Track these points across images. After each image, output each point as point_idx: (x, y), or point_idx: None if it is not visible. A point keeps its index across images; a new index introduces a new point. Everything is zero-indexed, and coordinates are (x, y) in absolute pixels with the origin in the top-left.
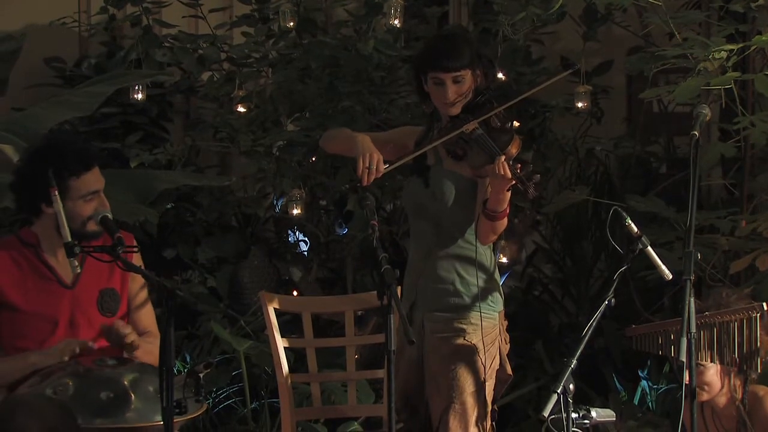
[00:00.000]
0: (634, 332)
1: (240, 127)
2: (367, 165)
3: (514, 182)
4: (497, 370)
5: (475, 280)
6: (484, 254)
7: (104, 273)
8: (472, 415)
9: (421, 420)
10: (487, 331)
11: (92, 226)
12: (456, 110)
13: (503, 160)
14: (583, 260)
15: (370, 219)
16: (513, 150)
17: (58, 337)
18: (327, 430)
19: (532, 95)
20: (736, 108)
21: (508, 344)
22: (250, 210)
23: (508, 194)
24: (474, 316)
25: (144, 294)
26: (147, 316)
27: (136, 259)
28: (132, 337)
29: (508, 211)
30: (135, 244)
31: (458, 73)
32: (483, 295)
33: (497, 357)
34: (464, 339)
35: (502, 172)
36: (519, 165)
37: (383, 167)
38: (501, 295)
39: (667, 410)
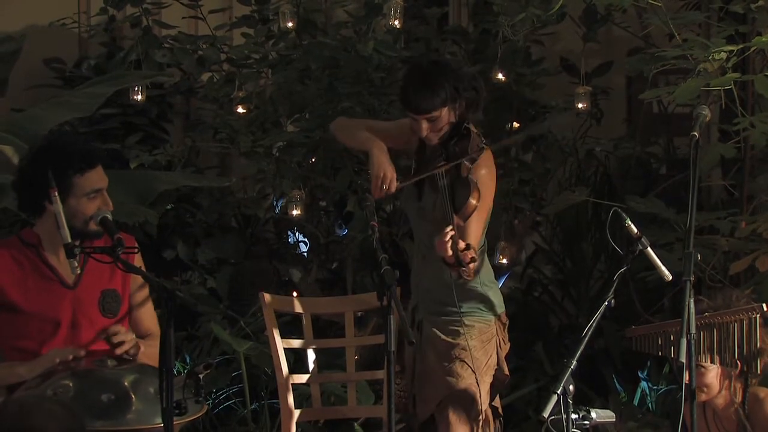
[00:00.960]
0: (634, 333)
1: (240, 128)
2: (381, 186)
3: (452, 261)
4: (495, 369)
5: (471, 283)
6: (481, 257)
7: (105, 274)
8: (468, 412)
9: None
10: (482, 330)
11: (94, 226)
12: (433, 141)
13: (450, 234)
14: (582, 261)
15: (369, 220)
16: (470, 208)
17: (60, 337)
18: (327, 431)
19: (508, 143)
20: (735, 109)
21: (508, 344)
22: (250, 211)
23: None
24: (469, 318)
25: (144, 294)
26: (148, 317)
27: (138, 260)
28: (124, 348)
29: (471, 270)
30: (136, 245)
31: (430, 115)
32: (478, 297)
33: (493, 356)
34: (459, 339)
35: (442, 245)
36: (465, 249)
37: (395, 185)
38: (498, 298)
39: (666, 411)
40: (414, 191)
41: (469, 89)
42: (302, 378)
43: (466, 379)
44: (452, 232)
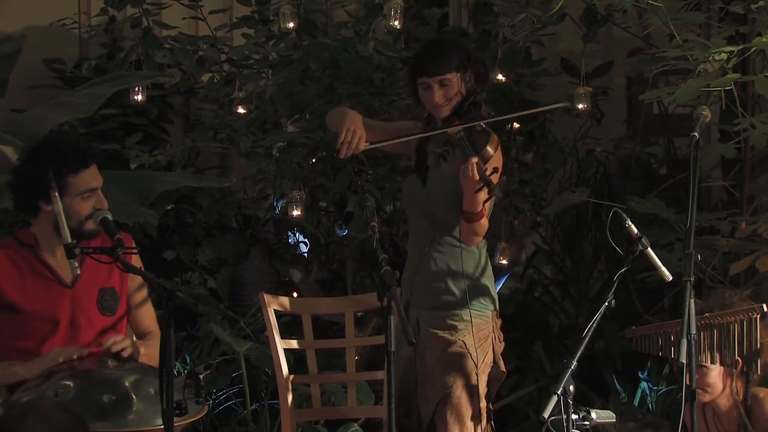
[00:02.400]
0: (634, 333)
1: (240, 129)
2: (348, 139)
3: (481, 184)
4: (491, 367)
5: (469, 279)
6: (478, 254)
7: (103, 272)
8: (467, 410)
9: (416, 421)
10: (479, 327)
11: (90, 225)
12: (445, 113)
13: (475, 161)
14: (583, 261)
15: (370, 220)
16: (489, 151)
17: (60, 337)
18: (327, 431)
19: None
20: (736, 109)
21: (502, 343)
22: (250, 211)
23: (481, 195)
24: (466, 313)
25: (143, 293)
26: (148, 317)
27: (135, 260)
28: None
29: (484, 212)
30: (134, 244)
31: (443, 77)
32: (475, 293)
33: (490, 353)
34: (457, 335)
35: (469, 173)
36: (497, 166)
37: (363, 145)
38: (494, 294)
39: (667, 412)
40: (417, 181)
41: (477, 61)
42: (302, 378)
43: (464, 378)
44: (476, 160)
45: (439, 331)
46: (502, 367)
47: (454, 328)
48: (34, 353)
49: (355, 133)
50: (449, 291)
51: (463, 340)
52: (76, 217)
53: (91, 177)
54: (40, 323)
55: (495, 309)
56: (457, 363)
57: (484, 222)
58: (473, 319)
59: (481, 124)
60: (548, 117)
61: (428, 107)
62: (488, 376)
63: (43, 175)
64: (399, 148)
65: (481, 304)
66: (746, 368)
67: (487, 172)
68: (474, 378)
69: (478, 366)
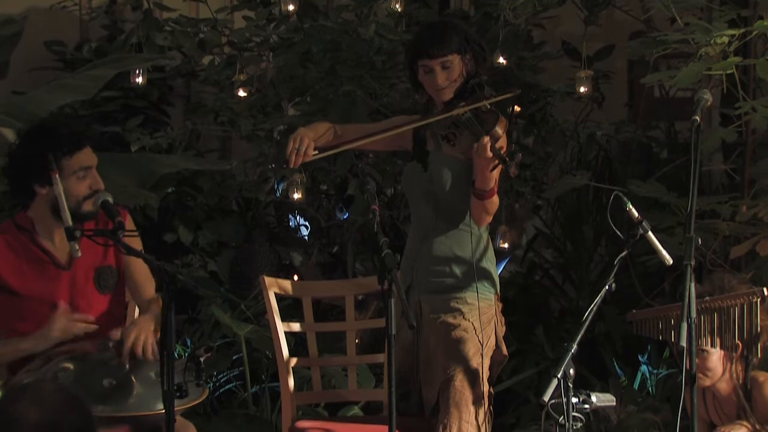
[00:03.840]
0: (635, 317)
1: (241, 111)
2: (296, 147)
3: (496, 161)
4: (494, 350)
5: (472, 262)
6: (481, 237)
7: (99, 251)
8: (470, 393)
9: (414, 403)
10: (483, 311)
11: (88, 206)
12: (447, 95)
13: (486, 140)
14: (583, 245)
15: (370, 204)
16: (498, 130)
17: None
18: (327, 414)
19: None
20: (737, 93)
21: (504, 326)
22: (250, 194)
23: (495, 173)
24: (470, 296)
25: (140, 263)
26: (148, 285)
27: (135, 242)
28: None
29: (496, 189)
30: (131, 220)
31: (445, 59)
32: (478, 276)
33: (493, 337)
34: (461, 318)
35: (483, 151)
36: (502, 146)
37: (312, 152)
38: (496, 278)
39: (667, 395)
40: (417, 166)
41: (476, 43)
42: (303, 361)
43: (467, 361)
44: (488, 138)
45: (442, 315)
46: (504, 351)
47: (458, 311)
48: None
49: (303, 140)
50: (452, 274)
51: (466, 324)
52: (73, 198)
53: (85, 157)
54: (38, 306)
55: (497, 292)
56: (461, 346)
57: (496, 200)
58: (476, 303)
59: (487, 104)
60: (549, 100)
61: (430, 91)
62: (490, 359)
63: (39, 158)
64: (393, 145)
65: (484, 287)
66: (746, 352)
67: (502, 151)
68: (477, 361)
69: (482, 349)
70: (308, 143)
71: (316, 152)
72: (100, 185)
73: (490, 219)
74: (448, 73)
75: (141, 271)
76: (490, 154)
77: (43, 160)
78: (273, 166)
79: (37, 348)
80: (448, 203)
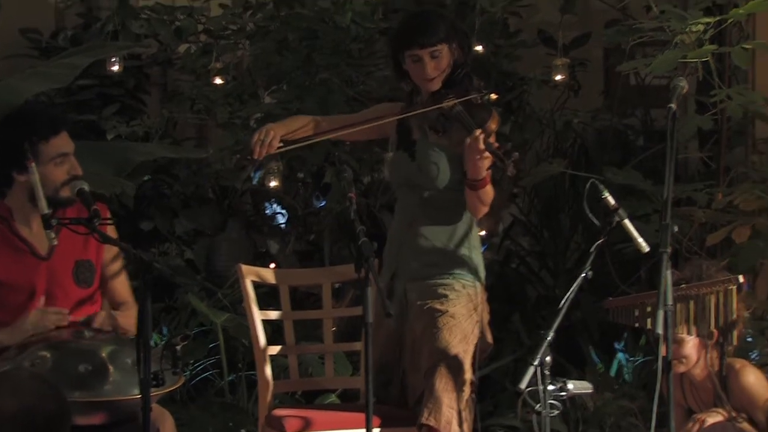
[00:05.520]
0: (611, 305)
1: (217, 99)
2: (261, 138)
3: (490, 158)
4: (479, 338)
5: (458, 250)
6: (469, 225)
7: (79, 244)
8: (456, 380)
9: (395, 391)
10: (470, 298)
11: (65, 192)
12: (436, 85)
13: (479, 134)
14: (560, 233)
15: (347, 191)
16: (492, 125)
17: (35, 308)
18: (304, 402)
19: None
20: (713, 81)
21: (488, 314)
22: (227, 182)
23: (486, 163)
24: (457, 283)
25: (119, 264)
26: (123, 287)
27: (111, 231)
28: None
29: (488, 179)
30: (110, 215)
31: (435, 48)
32: (465, 264)
33: (479, 324)
34: (448, 304)
35: (477, 146)
36: (497, 143)
37: (277, 144)
38: (482, 266)
39: (643, 382)
40: (404, 156)
41: (461, 32)
42: (280, 349)
43: (454, 348)
44: (480, 132)
45: (429, 301)
46: (489, 339)
47: (445, 297)
48: (9, 325)
49: (268, 133)
50: (439, 262)
51: (453, 310)
52: (51, 185)
53: (63, 142)
54: (15, 295)
55: (482, 280)
56: (448, 332)
57: (489, 189)
58: (463, 289)
59: (478, 97)
60: (526, 88)
61: (417, 80)
62: (475, 346)
63: (15, 145)
64: (374, 133)
65: (471, 275)
66: (722, 339)
67: (496, 147)
68: (463, 348)
69: (468, 336)
70: (273, 135)
71: (281, 144)
72: (78, 171)
73: (486, 209)
74: (437, 62)
75: (123, 289)
76: (482, 147)
77: (20, 147)
78: (239, 156)
79: (12, 341)
80: (436, 192)
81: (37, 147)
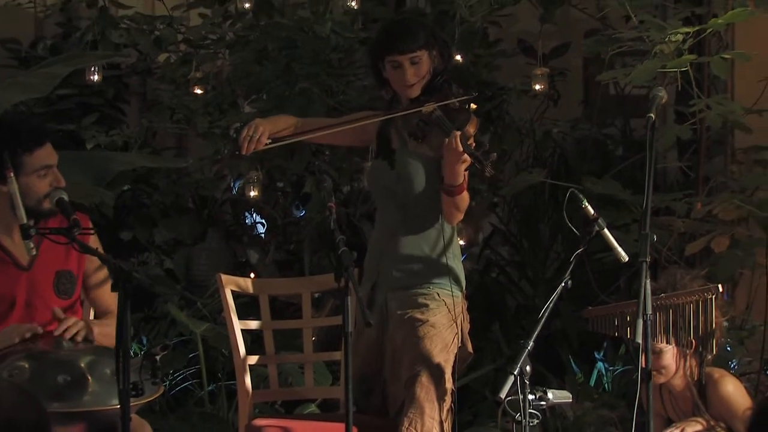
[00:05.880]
0: (591, 314)
1: (197, 109)
2: (250, 134)
3: (469, 160)
4: (459, 348)
5: (439, 259)
6: (447, 234)
7: (61, 255)
8: (437, 389)
9: (376, 401)
10: (451, 307)
11: (48, 204)
12: (415, 92)
13: (458, 135)
14: (539, 242)
15: (327, 201)
16: (470, 129)
17: (15, 318)
18: (284, 412)
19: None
20: (692, 90)
21: (468, 324)
22: (207, 192)
23: (462, 168)
24: (438, 292)
25: (103, 274)
26: (107, 296)
27: (94, 241)
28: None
29: (465, 185)
30: (91, 225)
31: (415, 54)
32: (445, 273)
33: (459, 334)
34: (429, 314)
35: (454, 146)
36: (474, 144)
37: (266, 140)
38: (463, 275)
39: (623, 391)
40: (383, 164)
41: (441, 39)
42: (259, 359)
43: (434, 357)
44: (459, 132)
45: (410, 311)
46: (470, 348)
47: (426, 307)
48: None
49: (257, 129)
50: (420, 271)
51: (434, 319)
52: (34, 196)
53: (47, 154)
54: None
55: (463, 290)
56: (428, 342)
57: (466, 196)
58: (444, 299)
59: (456, 102)
60: (505, 98)
61: (397, 87)
62: (455, 356)
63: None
64: (356, 139)
65: (452, 284)
66: (701, 348)
67: (474, 148)
68: (444, 358)
69: (449, 345)
70: (262, 131)
71: (269, 141)
72: (61, 182)
73: (461, 216)
74: (417, 68)
75: (107, 299)
76: (461, 147)
77: (1, 157)
78: (227, 151)
79: None
80: (416, 201)
81: (21, 158)
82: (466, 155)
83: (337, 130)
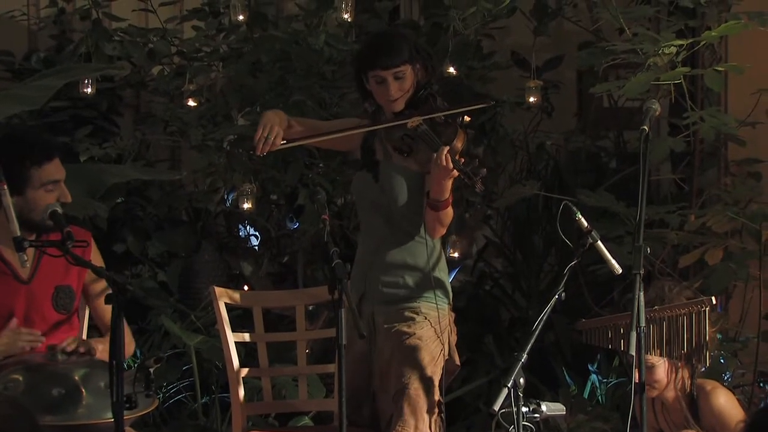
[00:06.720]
0: (584, 326)
1: (190, 121)
2: (265, 135)
3: (458, 175)
4: (446, 360)
5: (425, 272)
6: (432, 247)
7: (60, 269)
8: (424, 402)
9: (366, 414)
10: (436, 320)
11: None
12: (399, 106)
13: (446, 151)
14: (533, 254)
15: (320, 213)
16: (458, 144)
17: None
18: (278, 424)
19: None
20: (685, 103)
21: (456, 336)
22: (200, 204)
23: (449, 183)
24: (424, 305)
25: (101, 284)
26: (107, 309)
27: (96, 256)
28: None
29: (450, 200)
30: (87, 239)
31: (398, 69)
32: (431, 286)
33: (446, 346)
34: (415, 327)
35: (443, 163)
36: (463, 159)
37: (280, 141)
38: (449, 288)
39: (616, 404)
40: (367, 176)
41: (424, 53)
42: (253, 371)
43: (422, 369)
44: (447, 148)
45: (396, 324)
46: (457, 361)
47: (412, 320)
48: None
49: (272, 129)
50: (405, 284)
51: (421, 332)
52: (39, 211)
53: (55, 169)
54: None
55: (450, 302)
56: (414, 355)
57: (450, 211)
58: (430, 312)
59: (441, 116)
60: (499, 110)
61: (381, 101)
62: (443, 369)
63: (4, 168)
64: (341, 145)
65: (437, 297)
66: (694, 361)
67: (463, 164)
68: (431, 370)
69: (436, 358)
70: (277, 132)
71: (284, 142)
72: (68, 198)
73: (444, 231)
74: (400, 83)
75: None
76: (450, 165)
77: (7, 169)
78: (241, 150)
79: None
80: (400, 214)
81: (30, 172)
82: (455, 171)
83: (345, 134)
